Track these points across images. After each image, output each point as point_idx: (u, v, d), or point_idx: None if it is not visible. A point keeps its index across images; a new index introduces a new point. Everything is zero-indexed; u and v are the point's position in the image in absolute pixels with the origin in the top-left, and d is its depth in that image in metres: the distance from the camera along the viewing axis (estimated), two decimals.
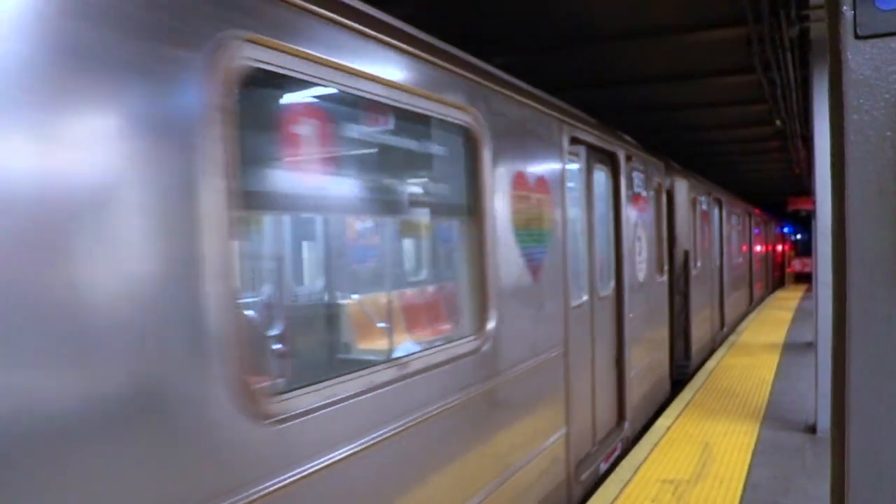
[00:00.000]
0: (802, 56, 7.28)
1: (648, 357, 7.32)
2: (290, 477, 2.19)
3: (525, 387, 4.16)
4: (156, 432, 1.78)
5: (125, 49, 1.74)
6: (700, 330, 10.33)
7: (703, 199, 11.09)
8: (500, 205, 3.81)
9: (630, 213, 6.54)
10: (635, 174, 6.80)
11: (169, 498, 1.82)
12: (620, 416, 6.34)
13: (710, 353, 11.08)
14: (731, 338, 12.77)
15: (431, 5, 5.54)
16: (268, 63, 2.20)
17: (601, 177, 5.97)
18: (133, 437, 1.72)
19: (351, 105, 2.98)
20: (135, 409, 1.73)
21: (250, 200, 2.35)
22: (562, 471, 4.72)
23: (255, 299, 3.52)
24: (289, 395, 2.26)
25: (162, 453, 1.79)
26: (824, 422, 6.40)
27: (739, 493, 5.07)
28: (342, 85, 2.61)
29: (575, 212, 5.12)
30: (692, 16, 6.29)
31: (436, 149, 3.78)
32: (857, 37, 0.98)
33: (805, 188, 16.77)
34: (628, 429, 6.39)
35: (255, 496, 2.04)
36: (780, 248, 31.40)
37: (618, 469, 5.62)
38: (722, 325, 12.81)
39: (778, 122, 10.17)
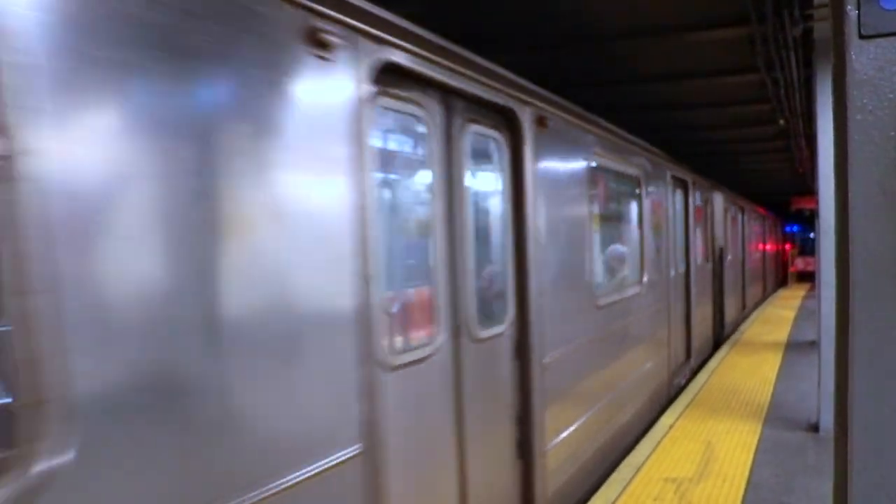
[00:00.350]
0: (806, 56, 7.26)
1: (702, 318, 10.31)
2: (604, 330, 5.61)
3: (653, 319, 7.39)
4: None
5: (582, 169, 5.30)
6: (730, 306, 13.40)
7: (731, 207, 14.19)
8: (648, 217, 7.20)
9: (693, 219, 9.72)
10: (696, 192, 10.08)
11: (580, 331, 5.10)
12: (688, 354, 9.32)
13: (736, 326, 14.03)
14: (734, 336, 12.79)
15: (433, 4, 5.54)
16: (597, 163, 5.51)
17: (679, 196, 9.08)
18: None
19: (614, 173, 6.40)
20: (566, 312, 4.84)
21: (601, 219, 5.98)
22: (665, 373, 7.93)
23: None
24: (603, 297, 5.61)
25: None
26: (827, 421, 6.39)
27: (742, 491, 5.07)
28: (614, 166, 6.18)
29: (668, 218, 8.26)
30: (695, 15, 6.28)
31: (629, 189, 7.10)
32: (861, 36, 0.98)
33: (809, 187, 16.73)
34: (693, 362, 9.47)
35: (595, 336, 5.38)
36: (786, 246, 31.45)
37: (620, 467, 5.62)
38: (743, 306, 15.97)
39: (781, 122, 10.15)
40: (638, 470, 5.55)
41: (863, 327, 1.01)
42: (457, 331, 3.47)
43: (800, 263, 29.97)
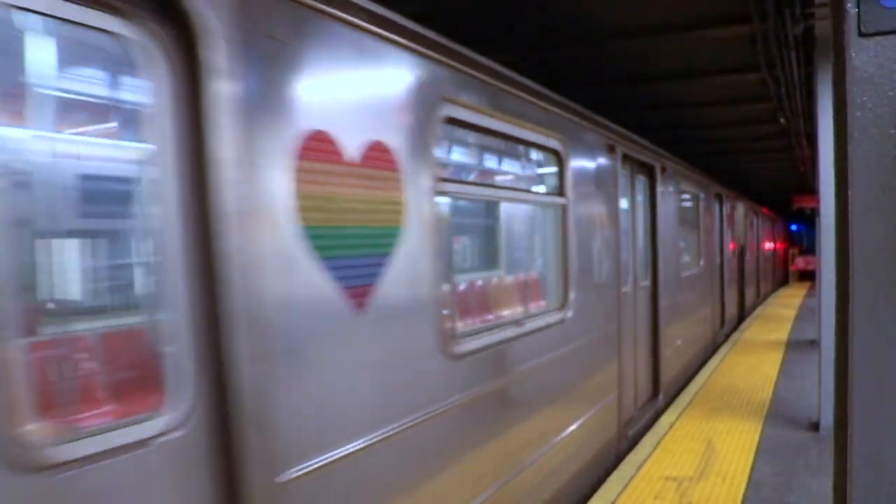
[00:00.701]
0: (807, 54, 7.25)
1: (730, 299, 13.40)
2: (684, 292, 9.04)
3: (705, 293, 10.61)
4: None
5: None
6: (749, 294, 16.75)
7: (749, 212, 17.52)
8: (703, 221, 10.34)
9: (725, 223, 12.75)
10: (727, 202, 13.16)
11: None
12: (722, 322, 12.48)
13: (753, 309, 17.42)
14: (735, 335, 12.79)
15: (433, 3, 5.53)
16: (683, 188, 9.08)
17: (717, 205, 12.00)
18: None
19: (689, 194, 9.64)
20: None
21: (681, 222, 9.17)
22: (710, 332, 11.02)
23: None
24: (683, 272, 8.98)
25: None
26: (828, 419, 6.39)
27: (742, 490, 5.07)
28: (689, 188, 9.48)
29: (712, 222, 11.49)
30: (696, 13, 6.27)
31: (695, 203, 10.10)
32: (860, 34, 0.98)
33: (810, 186, 16.70)
34: (725, 329, 12.71)
35: (681, 295, 8.67)
36: (788, 245, 31.51)
37: (621, 466, 5.62)
38: (758, 294, 19.37)
39: (782, 121, 10.14)
40: (639, 468, 5.55)
41: (862, 325, 1.01)
42: (635, 281, 6.68)
43: (800, 262, 29.94)
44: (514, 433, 3.93)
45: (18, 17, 1.84)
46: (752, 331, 13.49)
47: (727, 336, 12.63)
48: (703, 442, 6.22)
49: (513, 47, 6.82)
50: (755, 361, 10.04)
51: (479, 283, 7.16)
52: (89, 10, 1.77)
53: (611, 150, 5.78)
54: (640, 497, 4.97)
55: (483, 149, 6.79)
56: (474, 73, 3.56)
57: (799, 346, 11.20)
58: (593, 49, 7.13)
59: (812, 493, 5.03)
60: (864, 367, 1.01)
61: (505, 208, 7.75)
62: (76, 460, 1.68)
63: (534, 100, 4.31)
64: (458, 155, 6.38)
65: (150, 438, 1.81)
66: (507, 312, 6.55)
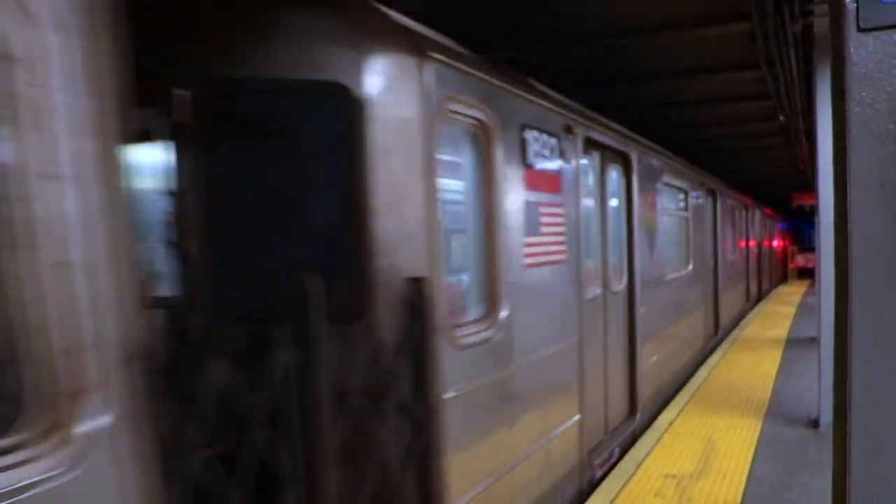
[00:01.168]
0: (806, 52, 7.25)
1: (754, 282, 18.20)
2: (732, 269, 14.45)
3: (741, 274, 15.91)
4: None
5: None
6: (763, 281, 20.77)
7: (765, 217, 21.47)
8: (741, 226, 15.74)
9: (750, 226, 16.88)
10: (751, 211, 17.12)
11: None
12: (748, 297, 16.81)
13: (769, 292, 21.83)
14: (735, 332, 12.81)
15: (434, 1, 5.53)
16: (732, 204, 14.29)
17: (746, 214, 15.96)
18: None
19: (734, 208, 14.48)
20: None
21: (732, 227, 14.60)
22: (743, 300, 16.27)
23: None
24: (728, 257, 13.92)
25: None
26: (827, 417, 6.39)
27: (742, 487, 5.08)
28: (734, 204, 14.54)
29: (746, 226, 16.46)
30: (696, 11, 6.26)
31: (737, 214, 15.12)
32: (860, 30, 0.98)
33: (809, 184, 16.72)
34: (750, 303, 17.34)
35: (730, 270, 13.96)
36: (789, 242, 31.65)
37: (621, 463, 5.63)
38: (770, 282, 23.05)
39: (782, 118, 10.14)
40: (639, 466, 5.56)
41: (861, 321, 1.01)
42: (707, 261, 10.91)
43: (800, 260, 29.95)
44: (684, 321, 8.81)
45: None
46: (751, 328, 13.50)
47: (751, 308, 17.06)
48: (703, 439, 6.22)
49: (513, 46, 6.81)
50: (755, 359, 10.05)
51: (665, 252, 9.72)
52: (617, 167, 6.34)
53: (702, 185, 10.24)
54: (641, 494, 4.98)
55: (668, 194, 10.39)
56: (675, 160, 8.63)
57: (798, 344, 11.21)
58: (593, 48, 7.12)
59: (811, 490, 5.04)
60: (863, 362, 1.01)
61: (670, 219, 10.49)
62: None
63: (679, 167, 8.79)
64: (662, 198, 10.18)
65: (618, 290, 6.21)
66: (675, 266, 9.44)
